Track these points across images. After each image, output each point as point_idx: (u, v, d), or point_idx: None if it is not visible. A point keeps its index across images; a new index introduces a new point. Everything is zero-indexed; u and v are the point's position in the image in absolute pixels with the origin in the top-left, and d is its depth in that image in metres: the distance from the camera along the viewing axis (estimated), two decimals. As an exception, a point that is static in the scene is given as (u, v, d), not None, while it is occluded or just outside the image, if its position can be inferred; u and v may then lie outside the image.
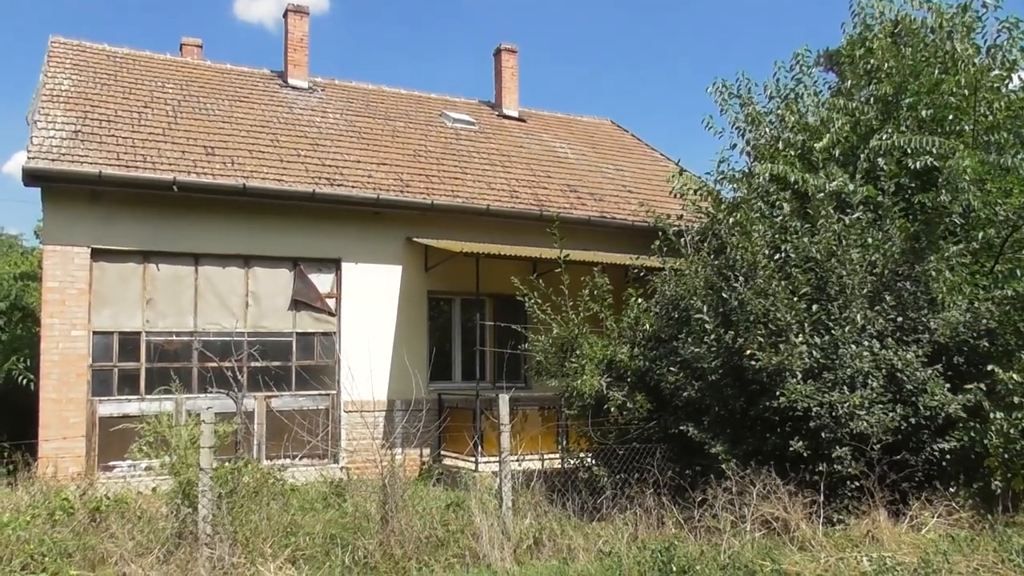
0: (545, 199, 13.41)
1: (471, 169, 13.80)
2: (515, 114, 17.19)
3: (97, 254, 10.34)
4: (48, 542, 5.93)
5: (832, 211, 8.43)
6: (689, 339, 8.27)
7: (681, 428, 7.96)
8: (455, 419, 11.18)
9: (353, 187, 11.76)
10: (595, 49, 59.29)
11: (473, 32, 56.56)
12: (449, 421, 11.11)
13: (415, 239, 11.93)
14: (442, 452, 11.46)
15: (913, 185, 9.49)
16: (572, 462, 8.96)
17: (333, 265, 11.79)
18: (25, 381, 11.01)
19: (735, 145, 11.51)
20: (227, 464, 6.88)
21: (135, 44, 15.49)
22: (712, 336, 8.08)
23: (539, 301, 9.32)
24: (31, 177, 9.87)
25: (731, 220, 9.14)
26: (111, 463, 9.95)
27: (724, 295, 8.25)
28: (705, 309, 8.20)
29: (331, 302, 11.76)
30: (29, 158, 9.86)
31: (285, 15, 15.41)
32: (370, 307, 11.81)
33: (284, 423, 9.98)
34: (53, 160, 10.02)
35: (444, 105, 16.62)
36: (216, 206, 10.96)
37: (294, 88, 14.99)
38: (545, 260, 10.67)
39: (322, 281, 11.74)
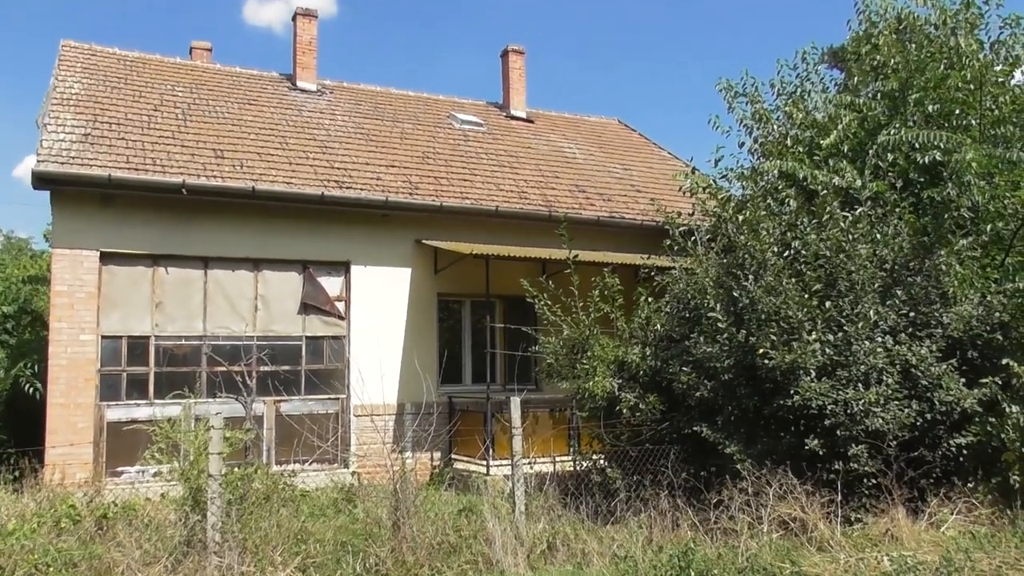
0: (554, 200, 13.33)
1: (480, 170, 13.74)
2: (523, 115, 17.12)
3: (106, 257, 10.31)
4: (53, 551, 5.80)
5: (838, 206, 8.38)
6: (701, 338, 8.18)
7: (694, 428, 7.88)
8: (466, 422, 11.11)
9: (362, 190, 11.71)
10: (599, 48, 59.24)
11: (479, 34, 56.59)
12: (460, 424, 11.03)
13: (424, 241, 11.86)
14: (453, 456, 11.37)
15: (922, 180, 9.44)
16: (584, 464, 8.88)
17: (342, 268, 11.75)
18: (32, 390, 10.95)
19: (743, 143, 11.49)
20: (236, 470, 6.81)
21: (145, 48, 15.54)
22: (724, 335, 7.99)
23: (549, 302, 9.25)
24: (41, 180, 9.84)
25: (739, 218, 9.07)
26: (119, 469, 9.90)
27: (735, 294, 8.17)
28: (717, 308, 8.12)
29: (340, 305, 11.70)
30: (39, 161, 9.84)
31: (294, 18, 15.42)
32: (380, 310, 11.74)
33: (294, 428, 9.92)
34: (63, 163, 10.01)
35: (452, 107, 16.57)
36: (225, 209, 10.93)
37: (303, 91, 14.97)
38: (555, 261, 10.59)
39: (331, 284, 11.69)
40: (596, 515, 7.47)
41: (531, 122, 17.03)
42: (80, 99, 11.86)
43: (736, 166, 11.10)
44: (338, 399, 11.47)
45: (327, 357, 11.54)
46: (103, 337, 10.24)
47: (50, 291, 10.25)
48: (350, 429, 11.33)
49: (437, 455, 11.47)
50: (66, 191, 10.17)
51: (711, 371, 8.00)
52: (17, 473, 8.11)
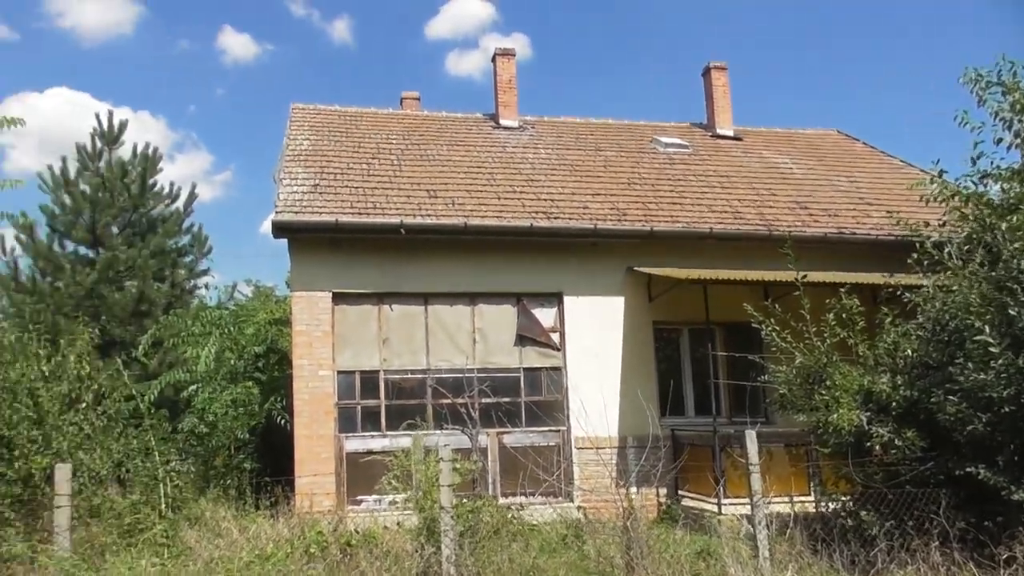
0: (772, 218, 12.50)
1: (688, 193, 13.24)
2: (730, 133, 16.38)
3: (337, 298, 10.99)
4: (303, 578, 6.12)
5: None
6: (969, 364, 7.10)
7: (968, 469, 6.81)
8: (692, 457, 10.47)
9: (570, 219, 11.66)
10: (802, 63, 56.17)
11: (673, 59, 55.81)
12: (686, 459, 10.47)
13: (637, 268, 11.54)
14: (681, 492, 10.81)
15: None
16: (831, 506, 8.01)
17: (555, 299, 11.71)
18: (283, 421, 11.94)
19: (999, 140, 10.08)
20: (466, 502, 6.84)
21: (362, 103, 16.74)
22: (999, 360, 6.88)
23: (777, 328, 8.53)
24: (279, 229, 10.73)
25: (1004, 225, 7.88)
26: (358, 497, 10.36)
27: (1011, 311, 7.03)
28: (987, 329, 7.02)
29: (555, 336, 11.65)
30: (276, 212, 10.75)
31: (493, 59, 15.95)
32: (594, 340, 11.54)
33: (516, 459, 9.92)
34: (296, 212, 10.86)
35: (654, 131, 16.22)
36: (441, 246, 11.31)
37: (506, 128, 15.35)
38: (778, 283, 9.84)
39: (545, 315, 11.68)
40: (853, 565, 6.64)
41: (739, 140, 16.25)
42: (309, 154, 12.92)
43: (991, 167, 9.78)
44: (558, 431, 11.35)
45: (545, 388, 11.50)
46: (338, 372, 10.89)
47: (292, 331, 11.12)
48: (572, 462, 11.15)
49: (663, 491, 10.97)
50: (300, 238, 11.00)
51: (984, 402, 6.90)
52: (272, 500, 8.78)
